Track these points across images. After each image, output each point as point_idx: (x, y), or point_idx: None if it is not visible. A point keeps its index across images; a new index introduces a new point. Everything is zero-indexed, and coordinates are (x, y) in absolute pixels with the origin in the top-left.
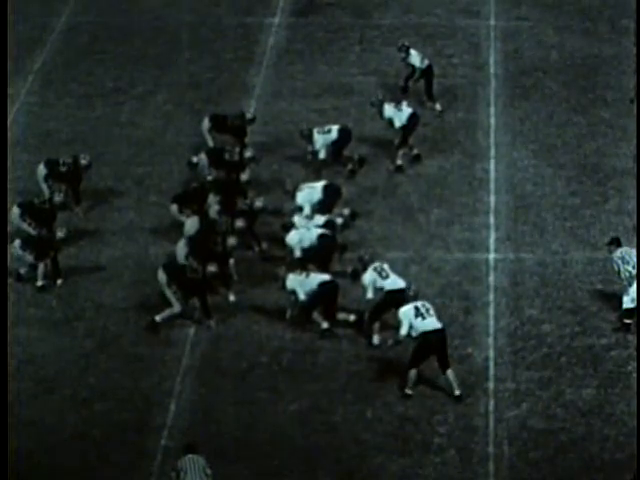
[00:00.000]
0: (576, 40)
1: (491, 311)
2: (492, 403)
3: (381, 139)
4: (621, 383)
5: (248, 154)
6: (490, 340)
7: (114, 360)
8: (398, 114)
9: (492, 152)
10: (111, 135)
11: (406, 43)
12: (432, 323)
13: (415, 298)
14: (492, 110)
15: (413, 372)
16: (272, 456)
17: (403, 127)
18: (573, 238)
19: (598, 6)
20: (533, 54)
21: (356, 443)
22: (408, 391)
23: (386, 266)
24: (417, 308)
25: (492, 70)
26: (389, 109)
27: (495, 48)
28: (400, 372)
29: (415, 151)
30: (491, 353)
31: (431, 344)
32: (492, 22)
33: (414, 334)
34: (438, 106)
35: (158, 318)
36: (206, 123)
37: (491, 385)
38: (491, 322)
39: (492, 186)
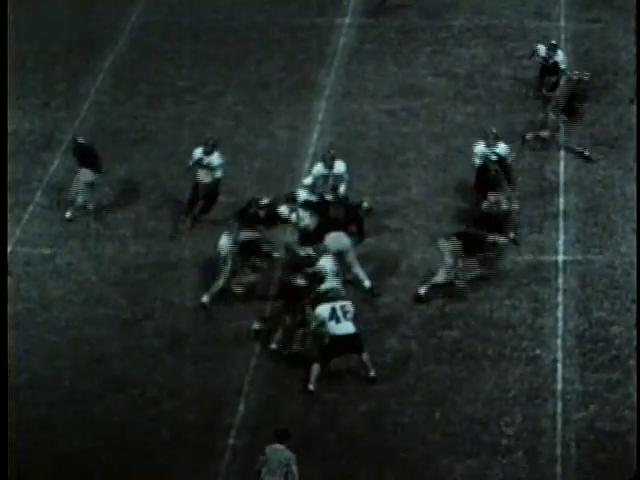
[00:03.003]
0: None
1: (560, 313)
2: (560, 405)
3: (452, 140)
4: None
5: None
6: (558, 342)
7: (183, 360)
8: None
9: (562, 154)
10: (181, 134)
11: (554, 42)
12: (347, 328)
13: (335, 299)
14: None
15: (316, 367)
16: (340, 456)
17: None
18: None
19: None
20: (603, 56)
21: (424, 444)
22: (310, 386)
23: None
24: (334, 309)
25: None
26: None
27: (565, 50)
28: (469, 375)
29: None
30: (559, 355)
31: (339, 348)
32: (562, 24)
33: (326, 336)
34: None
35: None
36: None
37: (559, 387)
38: (560, 324)
39: (561, 188)
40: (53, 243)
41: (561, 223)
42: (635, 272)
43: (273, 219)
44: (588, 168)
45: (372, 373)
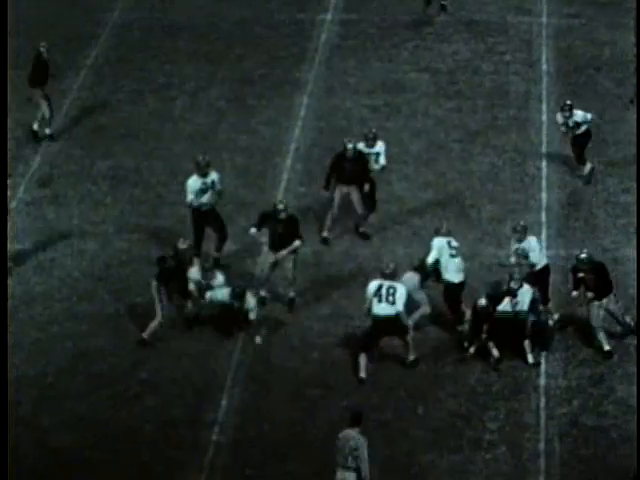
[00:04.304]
0: (628, 37)
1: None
2: (543, 400)
3: (433, 135)
4: None
5: None
6: None
7: (166, 355)
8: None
9: (544, 149)
10: (163, 130)
11: (568, 102)
12: (384, 309)
13: (391, 277)
14: (544, 107)
15: (362, 357)
16: (323, 452)
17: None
18: (625, 235)
19: None
20: (585, 51)
21: (407, 439)
22: (361, 374)
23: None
24: (380, 287)
25: (544, 67)
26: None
27: (547, 45)
28: (453, 369)
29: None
30: None
31: (375, 328)
32: (544, 19)
33: (369, 313)
34: (587, 167)
35: None
36: None
37: (542, 382)
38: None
39: (544, 183)
40: (36, 239)
41: (543, 218)
42: (618, 267)
43: None
44: (570, 163)
45: (411, 357)
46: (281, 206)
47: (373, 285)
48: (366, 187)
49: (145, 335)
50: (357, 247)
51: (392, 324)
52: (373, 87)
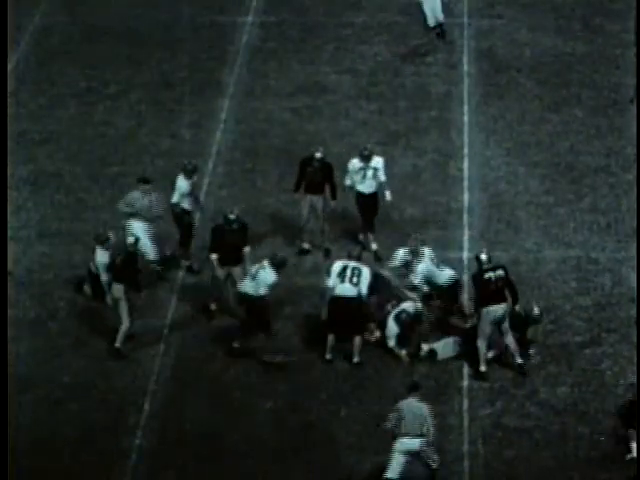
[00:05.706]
0: (549, 38)
1: (466, 310)
2: (466, 402)
3: (355, 138)
4: (595, 381)
5: None
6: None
7: (88, 359)
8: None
9: (465, 151)
10: (85, 135)
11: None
12: (347, 289)
13: (356, 258)
14: (465, 108)
15: (330, 337)
16: (247, 455)
17: None
18: (547, 236)
19: (571, 4)
20: (506, 52)
21: (330, 442)
22: (327, 356)
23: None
24: (344, 268)
25: (465, 68)
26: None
27: (468, 46)
28: (375, 372)
29: None
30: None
31: (335, 310)
32: (465, 20)
33: (330, 293)
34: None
35: None
36: None
37: (465, 383)
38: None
39: (465, 184)
40: None
41: (466, 219)
42: (541, 268)
43: None
44: (492, 165)
45: (356, 359)
46: (232, 216)
47: (338, 265)
48: (327, 194)
49: (118, 344)
50: (280, 252)
51: (352, 306)
52: (294, 89)
